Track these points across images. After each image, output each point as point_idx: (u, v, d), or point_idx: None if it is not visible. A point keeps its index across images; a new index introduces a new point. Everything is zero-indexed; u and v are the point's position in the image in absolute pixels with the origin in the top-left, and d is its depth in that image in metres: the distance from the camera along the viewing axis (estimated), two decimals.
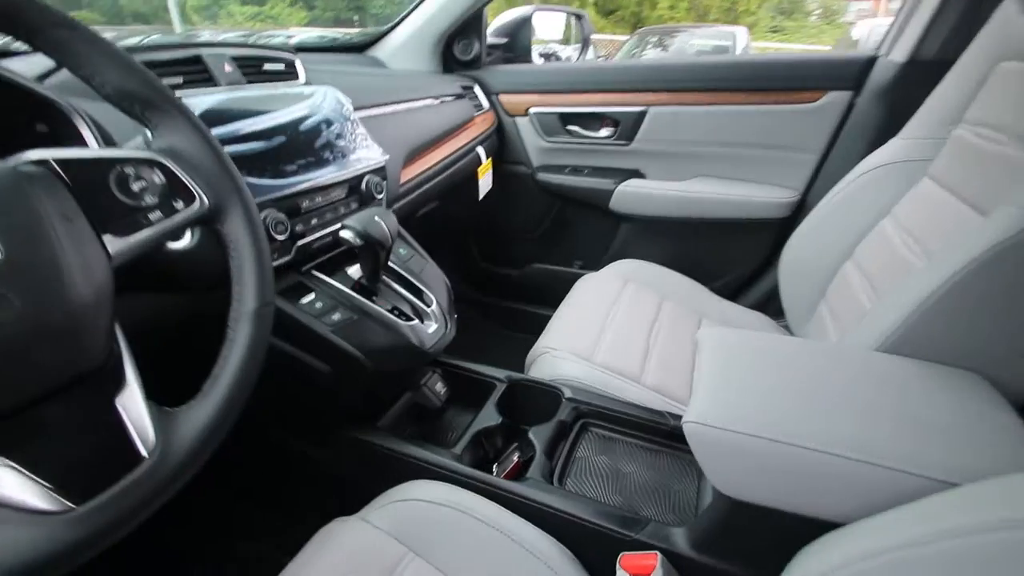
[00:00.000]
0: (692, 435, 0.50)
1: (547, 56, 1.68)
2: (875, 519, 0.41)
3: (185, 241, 0.53)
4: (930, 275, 0.59)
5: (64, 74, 0.54)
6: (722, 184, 1.27)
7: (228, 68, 0.70)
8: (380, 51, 1.35)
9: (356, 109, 0.84)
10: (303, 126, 0.72)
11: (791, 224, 1.10)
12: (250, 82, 0.72)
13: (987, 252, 0.54)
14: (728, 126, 1.23)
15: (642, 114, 1.27)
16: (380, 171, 0.83)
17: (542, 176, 1.42)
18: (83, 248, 0.33)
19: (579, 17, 1.60)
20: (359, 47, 1.36)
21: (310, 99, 0.75)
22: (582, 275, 1.18)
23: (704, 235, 1.31)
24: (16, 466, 0.28)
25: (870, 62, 1.08)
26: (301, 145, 0.70)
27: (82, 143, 0.49)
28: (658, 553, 0.55)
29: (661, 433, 0.75)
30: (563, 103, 1.34)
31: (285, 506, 0.93)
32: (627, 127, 1.30)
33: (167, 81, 0.61)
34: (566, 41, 1.84)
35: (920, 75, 0.94)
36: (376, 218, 0.68)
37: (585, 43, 1.61)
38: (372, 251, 0.69)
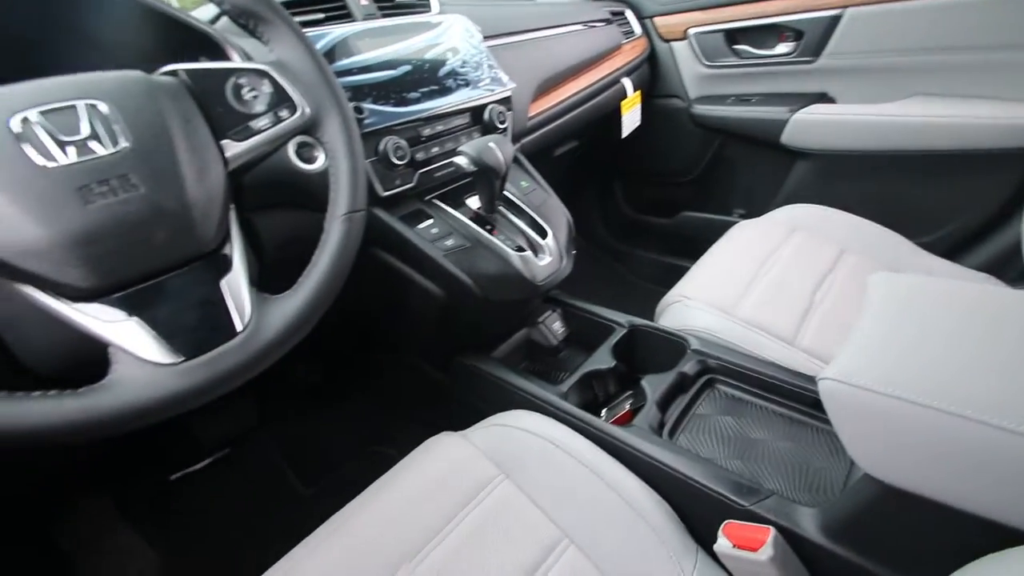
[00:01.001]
0: (829, 396, 0.40)
1: None
2: None
3: (319, 163, 0.58)
4: None
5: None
6: (951, 104, 0.96)
7: (364, 2, 0.73)
8: None
9: (487, 38, 0.82)
10: (428, 55, 0.73)
11: None
12: (384, 15, 0.75)
13: None
14: (966, 23, 0.91)
15: (835, 19, 1.02)
16: (505, 101, 0.81)
17: (699, 109, 1.24)
18: (199, 147, 0.38)
19: None
20: None
21: (437, 28, 0.75)
22: (739, 223, 1.03)
23: (917, 173, 1.02)
24: (143, 323, 0.34)
25: None
26: (425, 73, 0.71)
27: None
28: (772, 528, 0.46)
29: (807, 402, 0.62)
30: (730, 17, 1.14)
31: (417, 418, 1.02)
32: (813, 39, 1.05)
33: (308, 16, 0.67)
34: None
35: None
36: (491, 144, 0.66)
37: None
38: (486, 178, 0.68)
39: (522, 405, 0.69)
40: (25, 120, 0.32)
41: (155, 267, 0.35)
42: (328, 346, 1.04)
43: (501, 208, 0.75)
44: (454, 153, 0.73)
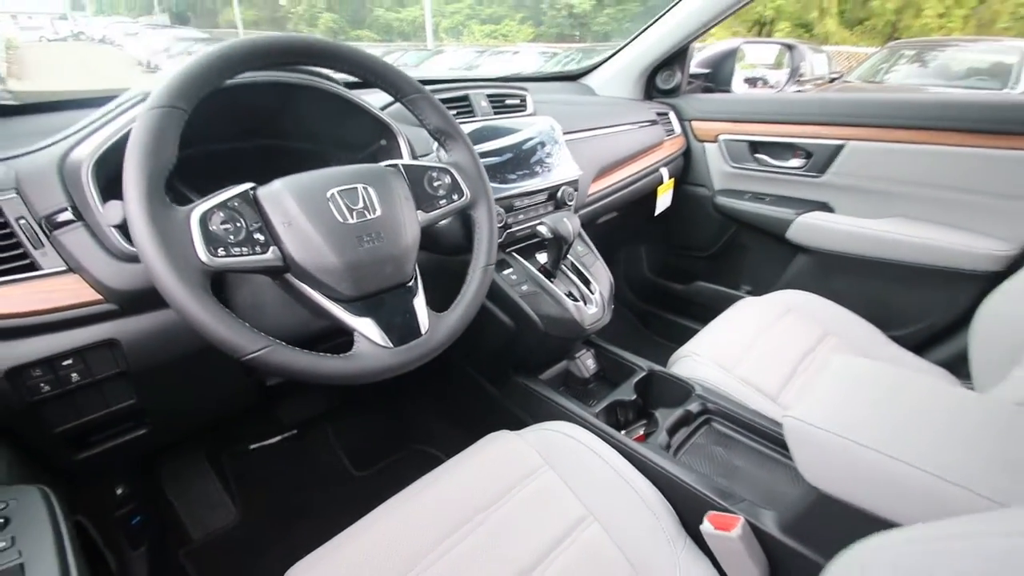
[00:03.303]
0: (790, 430, 0.61)
1: (753, 80, 1.72)
2: (928, 523, 0.47)
3: (444, 223, 0.82)
4: None
5: (395, 107, 0.87)
6: (924, 227, 1.20)
7: (483, 103, 0.99)
8: (592, 80, 1.59)
9: (565, 133, 1.07)
10: (524, 146, 0.98)
11: (1001, 280, 1.01)
12: (496, 113, 1.01)
13: None
14: (943, 168, 1.16)
15: (839, 147, 1.27)
16: (573, 183, 1.05)
17: (721, 199, 1.49)
18: (410, 215, 0.61)
19: (790, 48, 1.61)
20: (575, 76, 1.62)
21: (532, 126, 1.00)
22: (744, 299, 1.25)
23: (893, 278, 1.25)
24: (374, 321, 0.56)
25: None
26: (521, 160, 0.96)
27: (400, 154, 0.80)
28: (742, 516, 0.66)
29: (780, 443, 0.82)
30: (755, 132, 1.40)
31: (464, 424, 1.22)
32: (820, 159, 1.31)
33: None
34: (778, 66, 1.85)
35: None
36: (564, 219, 0.90)
37: (794, 72, 1.61)
38: (557, 243, 0.92)
39: (561, 418, 0.89)
40: (332, 195, 0.56)
41: (383, 287, 0.58)
42: None
43: (563, 266, 0.98)
44: (533, 220, 0.97)
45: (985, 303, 0.97)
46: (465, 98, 0.97)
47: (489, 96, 1.01)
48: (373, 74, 0.62)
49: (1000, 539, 0.39)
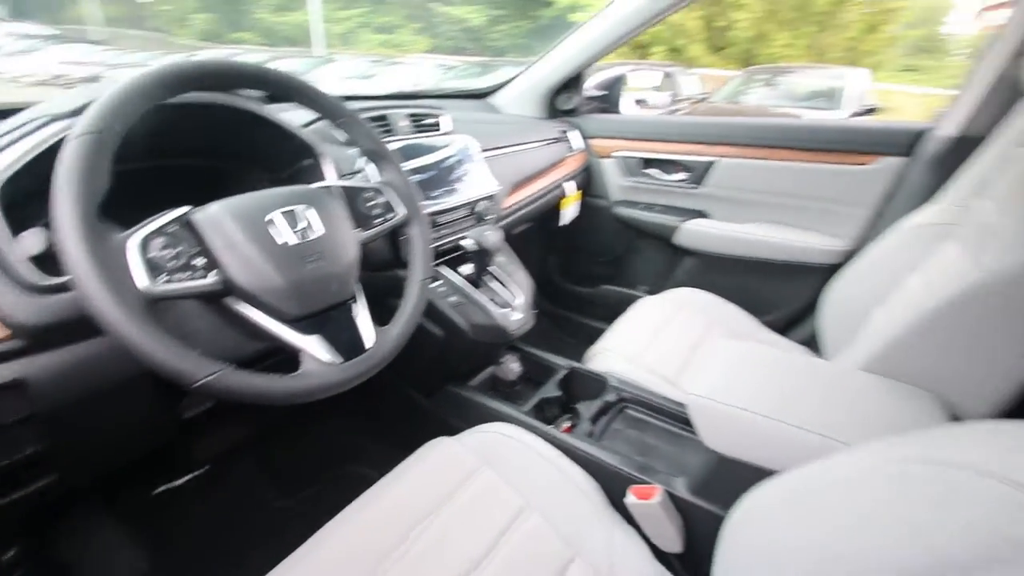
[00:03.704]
0: (692, 405, 0.72)
1: (640, 101, 1.93)
2: (800, 467, 0.60)
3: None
4: (909, 312, 0.76)
5: (318, 125, 0.88)
6: (778, 229, 1.43)
7: (402, 123, 1.03)
8: (498, 99, 1.68)
9: (482, 151, 1.14)
10: (444, 164, 1.03)
11: (839, 269, 1.24)
12: (417, 131, 1.05)
13: (969, 292, 0.69)
14: (787, 180, 1.40)
15: (711, 164, 1.48)
16: (492, 198, 1.12)
17: (619, 210, 1.66)
18: (351, 234, 0.64)
19: (669, 74, 1.83)
20: (481, 95, 1.70)
21: (451, 144, 1.06)
22: (643, 298, 1.40)
23: (759, 273, 1.47)
24: (321, 338, 0.58)
25: (922, 133, 1.21)
26: (443, 177, 1.01)
27: (324, 174, 0.81)
28: (660, 486, 0.76)
29: (683, 420, 0.95)
30: (644, 149, 1.58)
31: (398, 439, 1.23)
32: (697, 174, 1.51)
33: None
34: (659, 89, 2.09)
35: (966, 149, 1.07)
36: (487, 232, 0.96)
37: (675, 96, 1.83)
38: (481, 255, 0.98)
39: (494, 420, 0.95)
40: (272, 218, 0.57)
41: (329, 305, 0.60)
42: None
43: (486, 275, 1.05)
44: (456, 234, 1.02)
45: (829, 290, 1.19)
46: (383, 118, 1.00)
47: (409, 116, 1.05)
48: (306, 98, 0.64)
49: (846, 468, 0.52)
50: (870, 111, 5.09)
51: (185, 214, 0.52)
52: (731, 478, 0.71)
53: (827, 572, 0.44)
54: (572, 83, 1.61)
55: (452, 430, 0.90)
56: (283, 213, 0.58)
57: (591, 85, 1.73)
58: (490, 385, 1.12)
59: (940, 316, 0.73)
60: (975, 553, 0.39)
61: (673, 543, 0.76)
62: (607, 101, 1.73)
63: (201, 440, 1.15)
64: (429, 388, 1.08)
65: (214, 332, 0.61)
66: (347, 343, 0.60)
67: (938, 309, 0.73)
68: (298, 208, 0.59)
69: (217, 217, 0.54)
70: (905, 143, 1.23)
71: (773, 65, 8.15)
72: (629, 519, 0.78)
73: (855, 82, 5.50)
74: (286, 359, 0.56)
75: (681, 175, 1.55)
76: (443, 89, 1.68)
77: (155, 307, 0.47)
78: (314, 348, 0.57)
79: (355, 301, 0.64)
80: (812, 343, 1.33)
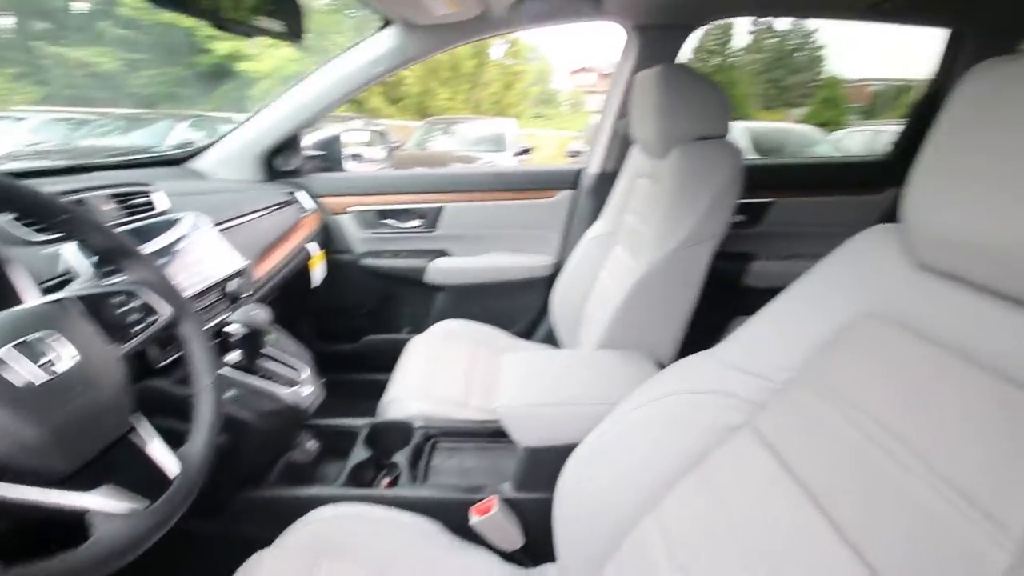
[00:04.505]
0: (504, 413, 0.84)
1: (356, 156, 2.01)
2: (593, 433, 0.79)
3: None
4: (609, 301, 1.06)
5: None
6: (505, 256, 1.73)
7: (107, 207, 0.84)
8: (201, 164, 1.51)
9: (216, 225, 1.03)
10: (177, 247, 0.90)
11: (555, 279, 1.59)
12: (126, 214, 0.87)
13: (639, 281, 1.01)
14: (501, 215, 1.70)
15: (440, 209, 1.67)
16: (242, 273, 1.02)
17: (366, 261, 1.70)
18: (109, 351, 0.52)
19: (382, 134, 1.98)
20: (177, 160, 1.49)
21: (180, 224, 0.93)
22: (410, 339, 1.48)
23: (499, 294, 1.74)
24: (112, 486, 0.46)
25: (580, 172, 1.67)
26: (180, 262, 0.88)
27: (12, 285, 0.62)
28: (496, 496, 0.86)
29: (487, 434, 1.08)
30: (378, 202, 1.67)
31: None
32: (431, 219, 1.69)
33: None
34: (371, 144, 2.22)
35: (608, 181, 1.53)
36: (254, 312, 0.89)
37: (390, 152, 1.99)
38: (253, 338, 0.89)
39: (310, 508, 0.87)
40: (2, 356, 0.43)
41: (106, 444, 0.48)
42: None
43: (260, 358, 0.95)
44: (212, 320, 0.90)
45: (552, 296, 1.51)
46: (81, 203, 0.81)
47: (112, 197, 0.87)
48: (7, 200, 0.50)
49: (620, 420, 0.71)
50: (526, 151, 6.44)
51: None
52: (547, 464, 0.85)
53: (630, 491, 0.62)
54: (290, 143, 1.58)
55: (265, 541, 0.80)
56: (15, 347, 0.44)
57: (307, 144, 1.73)
58: (291, 474, 1.01)
59: (629, 299, 1.05)
60: (707, 443, 0.61)
61: (516, 541, 0.86)
62: (328, 160, 1.75)
63: None
64: (216, 506, 0.90)
65: None
66: (147, 480, 0.49)
67: (627, 295, 1.05)
68: (33, 337, 0.46)
69: None
70: (571, 180, 1.67)
71: (447, 116, 9.43)
72: (475, 539, 0.85)
73: (510, 129, 6.88)
74: (72, 531, 0.43)
75: (416, 222, 1.70)
76: (131, 158, 1.40)
77: None
78: (104, 502, 0.45)
79: (138, 429, 0.52)
80: (551, 340, 1.66)
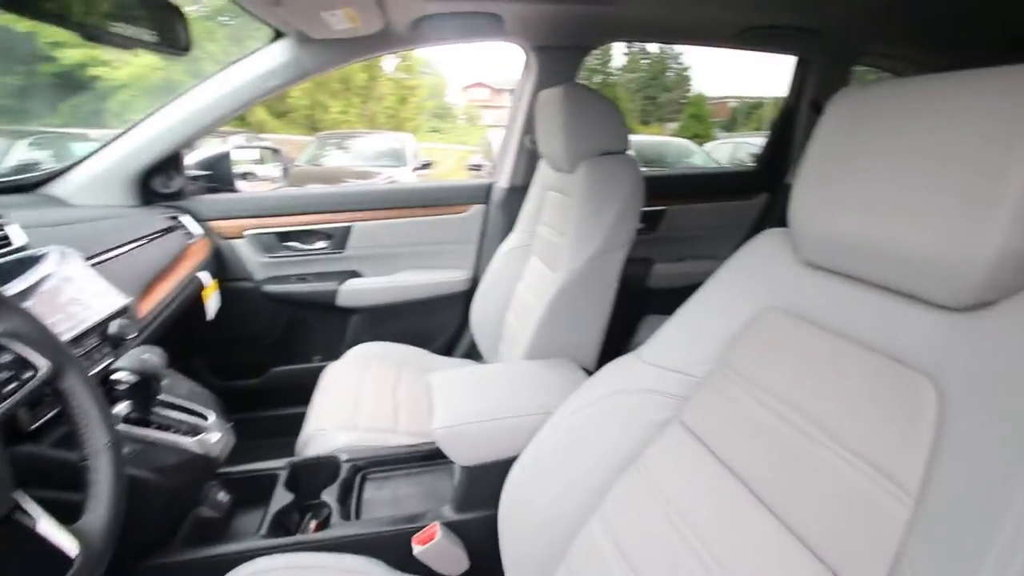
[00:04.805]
0: (440, 436, 0.82)
1: (248, 174, 1.87)
2: (532, 442, 0.80)
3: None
4: (531, 312, 1.09)
5: None
6: (419, 273, 1.70)
7: None
8: (60, 189, 1.31)
9: (87, 259, 0.90)
10: (42, 288, 0.77)
11: (472, 293, 1.59)
12: None
13: (559, 291, 1.05)
14: (413, 232, 1.67)
15: (348, 228, 1.61)
16: (126, 312, 0.90)
17: (268, 288, 1.58)
18: None
19: (275, 151, 1.86)
20: (29, 186, 1.28)
21: (44, 261, 0.80)
22: (323, 367, 1.40)
23: (416, 312, 1.71)
24: None
25: (490, 186, 1.70)
26: (48, 305, 0.75)
27: None
28: (438, 523, 0.83)
29: (420, 457, 1.05)
30: (278, 224, 1.56)
31: None
32: (339, 239, 1.61)
33: None
34: (262, 162, 2.08)
35: (518, 194, 1.57)
36: (146, 355, 0.78)
37: (286, 171, 1.86)
38: (146, 385, 0.79)
39: (231, 568, 0.79)
40: None
41: None
42: None
43: (156, 406, 0.84)
44: (97, 368, 0.79)
45: (471, 309, 1.51)
46: None
47: None
48: None
49: (559, 427, 0.73)
50: (427, 165, 6.38)
51: None
52: (488, 481, 0.85)
53: (574, 495, 0.64)
54: (170, 163, 1.42)
55: None
56: None
57: (190, 164, 1.57)
58: (201, 532, 0.90)
59: (550, 309, 1.08)
60: (642, 439, 0.65)
61: (462, 564, 0.85)
62: (216, 180, 1.60)
63: None
64: None
65: None
66: (43, 564, 0.41)
67: (547, 305, 1.08)
68: None
69: None
70: (482, 194, 1.69)
71: (339, 131, 9.07)
72: (420, 569, 0.82)
73: (408, 143, 6.78)
74: None
75: (323, 243, 1.61)
76: None
77: None
78: None
79: (23, 509, 0.44)
80: (473, 355, 1.65)
